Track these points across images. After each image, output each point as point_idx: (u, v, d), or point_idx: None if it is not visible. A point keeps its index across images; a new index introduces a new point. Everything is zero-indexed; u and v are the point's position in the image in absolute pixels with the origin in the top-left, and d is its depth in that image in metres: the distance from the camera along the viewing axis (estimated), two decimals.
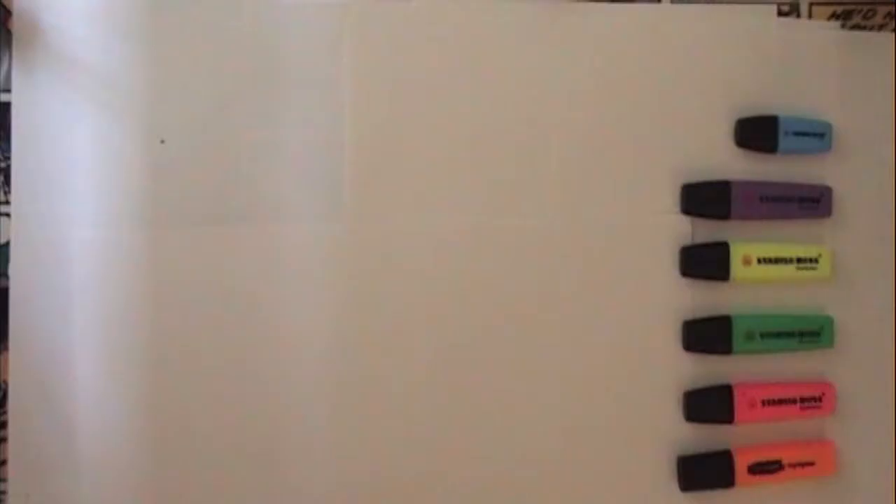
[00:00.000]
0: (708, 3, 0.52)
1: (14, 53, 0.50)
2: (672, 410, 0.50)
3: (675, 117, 0.51)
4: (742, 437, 0.50)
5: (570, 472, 0.50)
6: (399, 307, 0.50)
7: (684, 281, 0.51)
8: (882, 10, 0.53)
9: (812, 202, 0.51)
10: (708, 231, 0.51)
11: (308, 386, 0.49)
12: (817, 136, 0.51)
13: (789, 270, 0.50)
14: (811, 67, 0.52)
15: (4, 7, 0.50)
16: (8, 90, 0.50)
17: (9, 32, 0.50)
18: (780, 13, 0.52)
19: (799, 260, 0.50)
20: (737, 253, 0.50)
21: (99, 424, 0.49)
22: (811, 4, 0.53)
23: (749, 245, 0.50)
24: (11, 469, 0.49)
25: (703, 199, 0.51)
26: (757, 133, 0.51)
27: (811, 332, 0.50)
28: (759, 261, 0.50)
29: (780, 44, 0.52)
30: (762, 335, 0.50)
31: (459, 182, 0.50)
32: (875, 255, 0.52)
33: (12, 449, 0.49)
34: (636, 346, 0.51)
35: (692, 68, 0.52)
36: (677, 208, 0.51)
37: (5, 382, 0.49)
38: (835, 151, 0.51)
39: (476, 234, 0.50)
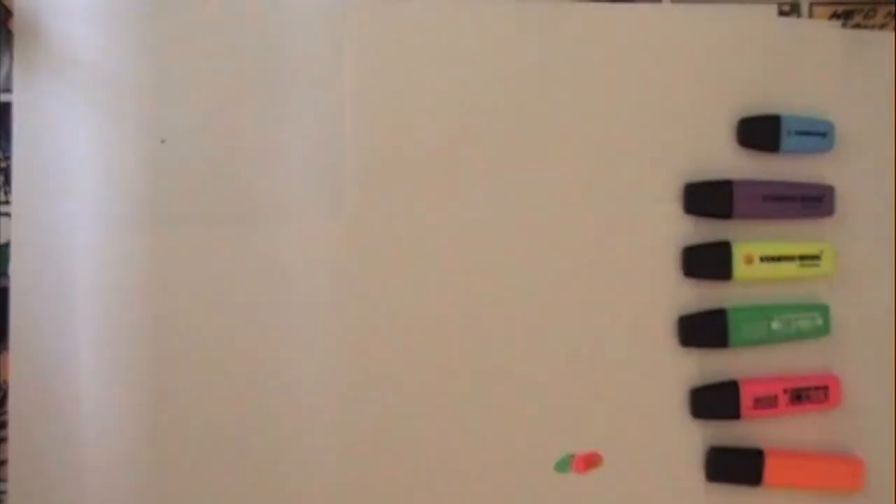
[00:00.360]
0: (708, 2, 0.52)
1: (15, 54, 0.50)
2: (677, 408, 0.50)
3: (677, 117, 0.51)
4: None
5: (579, 479, 0.50)
6: (401, 305, 0.50)
7: (686, 281, 0.51)
8: (883, 9, 0.53)
9: (815, 201, 0.51)
10: (709, 230, 0.51)
11: (311, 387, 0.49)
12: (819, 135, 0.51)
13: (792, 268, 0.50)
14: (812, 67, 0.52)
15: (5, 7, 0.50)
16: (8, 90, 0.50)
17: (9, 33, 0.50)
18: (781, 13, 0.52)
19: (801, 257, 0.50)
20: (739, 252, 0.50)
21: (99, 424, 0.48)
22: (812, 4, 0.53)
23: (751, 244, 0.50)
24: (11, 469, 0.48)
25: (706, 198, 0.50)
26: (759, 132, 0.51)
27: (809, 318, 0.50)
28: (761, 259, 0.50)
29: (781, 43, 0.52)
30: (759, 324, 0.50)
31: (459, 182, 0.50)
32: (877, 253, 0.52)
33: (12, 449, 0.49)
34: (638, 346, 0.50)
35: (693, 68, 0.51)
36: (679, 208, 0.51)
37: (5, 382, 0.49)
38: (837, 150, 0.51)
39: (476, 234, 0.50)
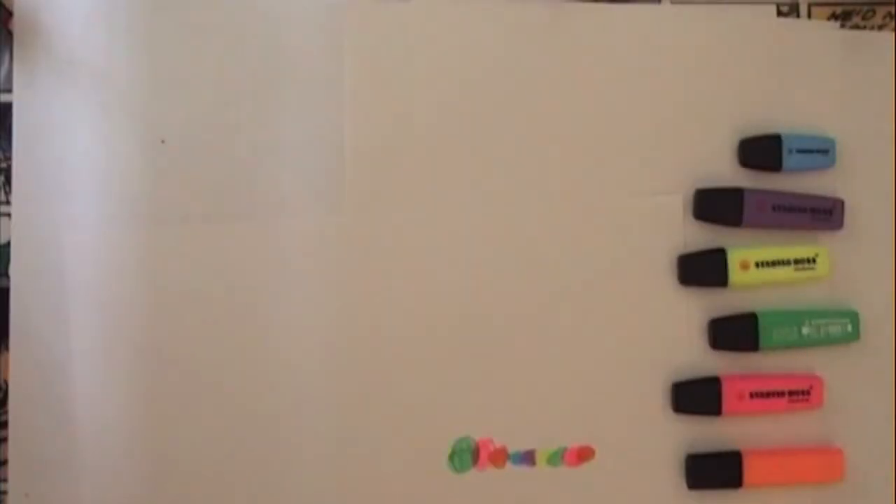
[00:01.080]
0: (708, 3, 0.52)
1: (14, 54, 0.50)
2: (664, 406, 0.50)
3: (676, 118, 0.51)
4: (751, 438, 0.50)
5: (571, 472, 0.50)
6: (401, 301, 0.50)
7: (683, 289, 0.50)
8: (881, 10, 0.53)
9: (824, 213, 0.50)
10: (703, 239, 0.51)
11: (310, 383, 0.49)
12: (821, 152, 0.51)
13: (788, 272, 0.50)
14: (811, 68, 0.52)
15: (5, 7, 0.50)
16: (8, 90, 0.50)
17: (9, 33, 0.50)
18: (780, 13, 0.53)
19: (796, 261, 0.50)
20: (734, 258, 0.50)
21: (99, 424, 0.49)
22: (810, 5, 0.53)
23: (746, 250, 0.50)
24: (11, 469, 0.49)
25: (716, 205, 0.50)
26: (760, 153, 0.50)
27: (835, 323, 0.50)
28: (756, 265, 0.50)
29: (780, 44, 0.52)
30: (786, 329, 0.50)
31: (457, 180, 0.50)
32: (877, 262, 0.52)
33: (12, 449, 0.49)
34: (636, 352, 0.50)
35: (692, 68, 0.51)
36: (676, 215, 0.51)
37: (5, 382, 0.49)
38: (838, 157, 0.51)
39: (474, 232, 0.50)
